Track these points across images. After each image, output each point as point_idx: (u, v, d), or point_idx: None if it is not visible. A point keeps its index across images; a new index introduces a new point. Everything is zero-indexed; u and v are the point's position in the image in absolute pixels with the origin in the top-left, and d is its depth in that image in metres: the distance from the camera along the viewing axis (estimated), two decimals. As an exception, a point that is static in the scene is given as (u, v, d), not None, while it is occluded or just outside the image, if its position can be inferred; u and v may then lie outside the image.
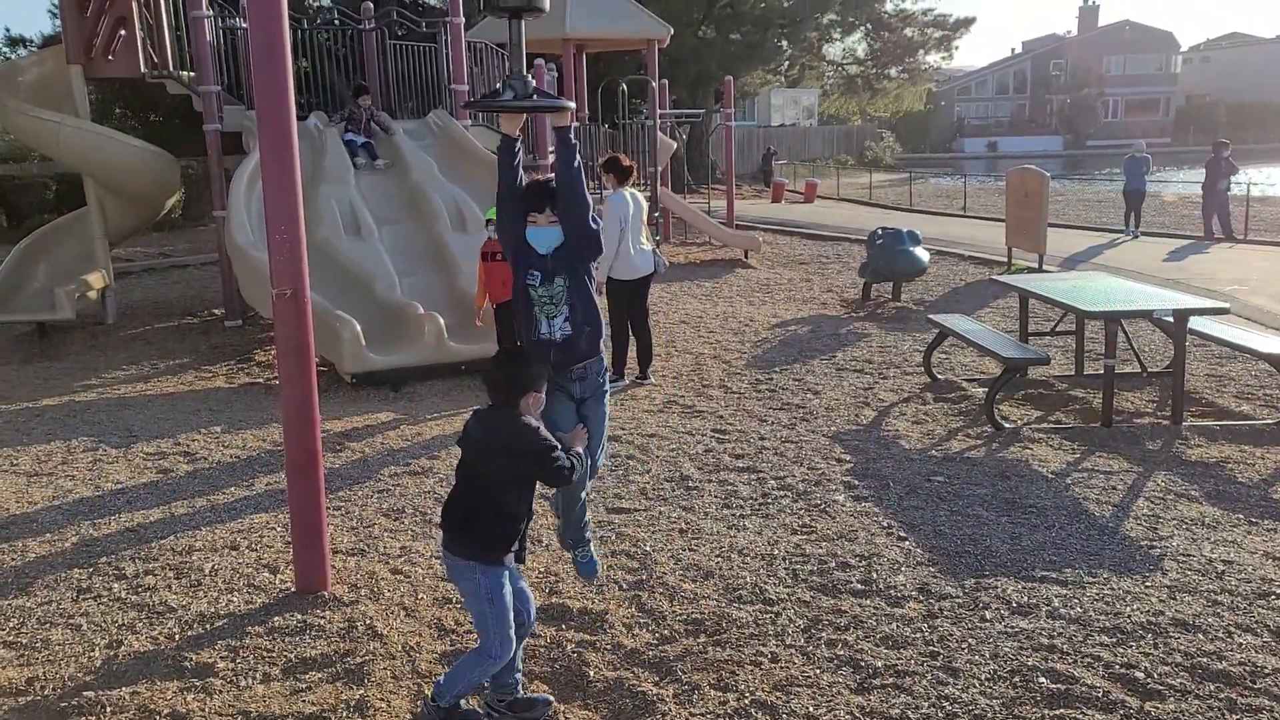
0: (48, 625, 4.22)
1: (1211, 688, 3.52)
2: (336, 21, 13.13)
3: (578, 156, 3.63)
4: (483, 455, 3.30)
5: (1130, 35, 69.86)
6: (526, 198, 3.67)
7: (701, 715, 3.49)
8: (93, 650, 3.99)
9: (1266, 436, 6.50)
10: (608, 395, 3.89)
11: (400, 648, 3.98)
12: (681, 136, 29.13)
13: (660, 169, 16.22)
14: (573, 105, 3.67)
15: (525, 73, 3.47)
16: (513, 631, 3.35)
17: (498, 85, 3.61)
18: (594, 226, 3.66)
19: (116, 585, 4.61)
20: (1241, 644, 3.82)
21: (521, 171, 3.73)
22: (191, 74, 11.50)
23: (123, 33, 11.47)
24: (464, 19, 12.43)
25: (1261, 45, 76.35)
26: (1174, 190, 28.49)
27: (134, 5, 11.31)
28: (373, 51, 13.04)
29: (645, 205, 8.64)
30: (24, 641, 4.08)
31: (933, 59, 40.04)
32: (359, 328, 8.44)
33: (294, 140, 4.18)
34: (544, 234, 3.64)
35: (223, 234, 11.40)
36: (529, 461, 3.25)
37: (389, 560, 4.87)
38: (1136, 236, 18.21)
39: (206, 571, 4.74)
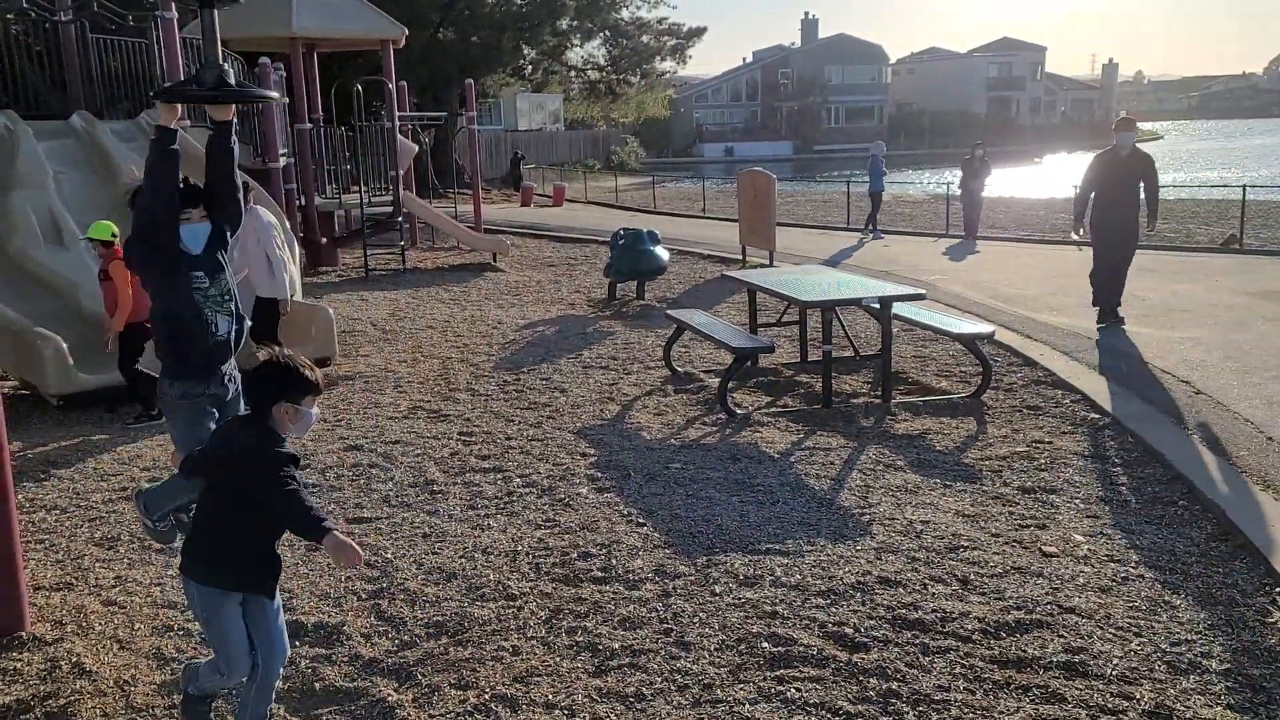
0: None
1: (909, 635, 3.89)
2: (31, 13, 11.92)
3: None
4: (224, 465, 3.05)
5: (847, 47, 75.51)
6: (182, 198, 3.54)
7: (441, 716, 3.48)
8: None
9: (961, 408, 7.22)
10: None
11: (112, 683, 3.69)
12: (426, 140, 28.65)
13: (402, 172, 15.89)
14: (276, 96, 3.58)
15: (220, 62, 3.33)
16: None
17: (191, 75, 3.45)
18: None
19: None
20: (934, 594, 4.23)
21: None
22: None
23: None
24: (176, 14, 11.65)
25: (957, 59, 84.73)
26: (919, 190, 30.77)
27: None
28: (73, 46, 11.96)
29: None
30: None
31: (668, 65, 41.51)
32: (64, 345, 7.74)
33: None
34: (196, 231, 3.53)
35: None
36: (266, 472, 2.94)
37: (101, 592, 4.50)
38: (879, 236, 18.83)
39: (-123, 623, 4.20)
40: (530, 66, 36.28)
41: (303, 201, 14.94)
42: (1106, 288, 9.77)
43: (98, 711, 3.52)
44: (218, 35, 3.34)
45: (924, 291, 7.90)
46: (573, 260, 16.69)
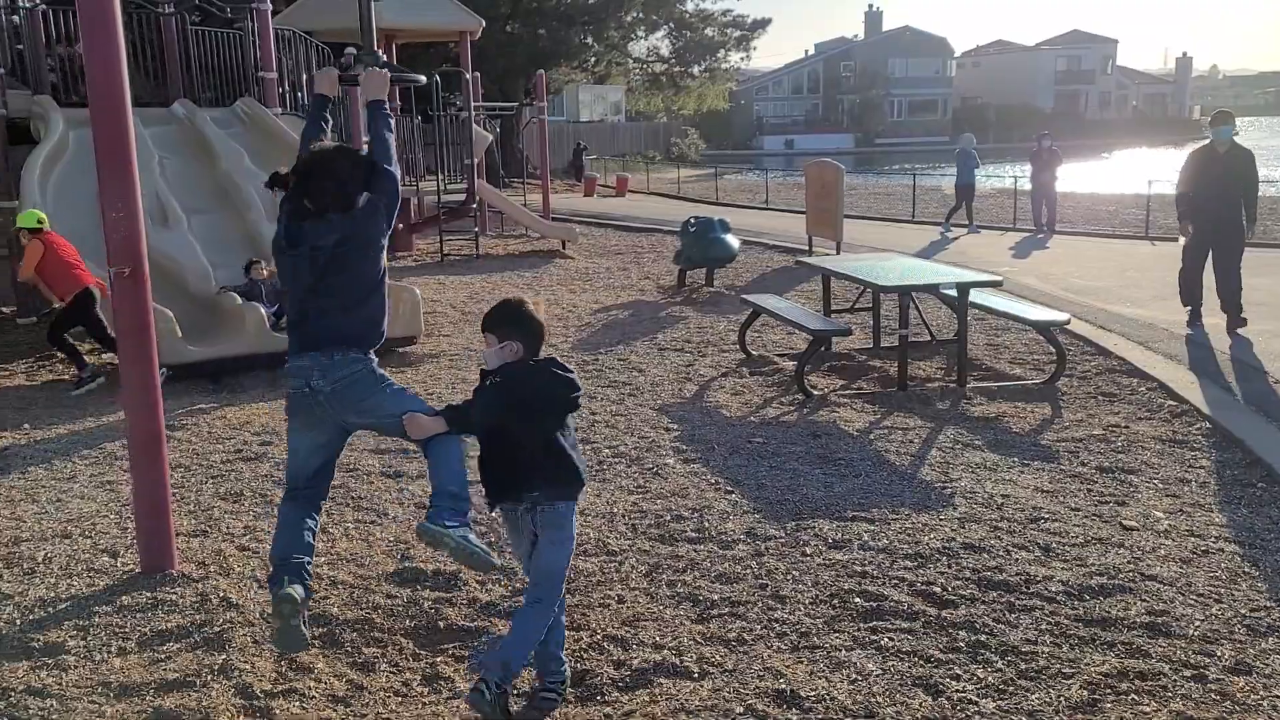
0: None
1: (995, 594, 4.10)
2: (134, 4, 12.49)
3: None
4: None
5: (911, 40, 74.78)
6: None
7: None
8: (-74, 640, 3.86)
9: (1036, 394, 7.35)
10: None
11: (258, 615, 4.05)
12: (496, 131, 29.11)
13: (476, 161, 16.28)
14: (421, 79, 3.87)
15: (375, 50, 3.65)
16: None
17: (347, 57, 3.75)
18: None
19: (-60, 579, 4.43)
20: (1018, 559, 4.43)
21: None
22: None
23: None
24: (270, 5, 12.14)
25: (1023, 53, 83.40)
26: (985, 184, 30.31)
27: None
28: (173, 37, 12.51)
29: None
30: None
31: (733, 59, 41.58)
32: (173, 318, 8.21)
33: (129, 118, 4.15)
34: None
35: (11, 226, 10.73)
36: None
37: (233, 539, 4.88)
38: (976, 231, 18.26)
39: (39, 560, 4.61)
40: (594, 58, 36.62)
41: (382, 188, 15.40)
42: (1192, 288, 9.42)
43: (249, 639, 3.87)
44: (374, 22, 3.64)
45: (1002, 279, 8.04)
46: (639, 249, 16.96)
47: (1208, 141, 9.45)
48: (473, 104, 16.31)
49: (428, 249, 16.66)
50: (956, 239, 17.38)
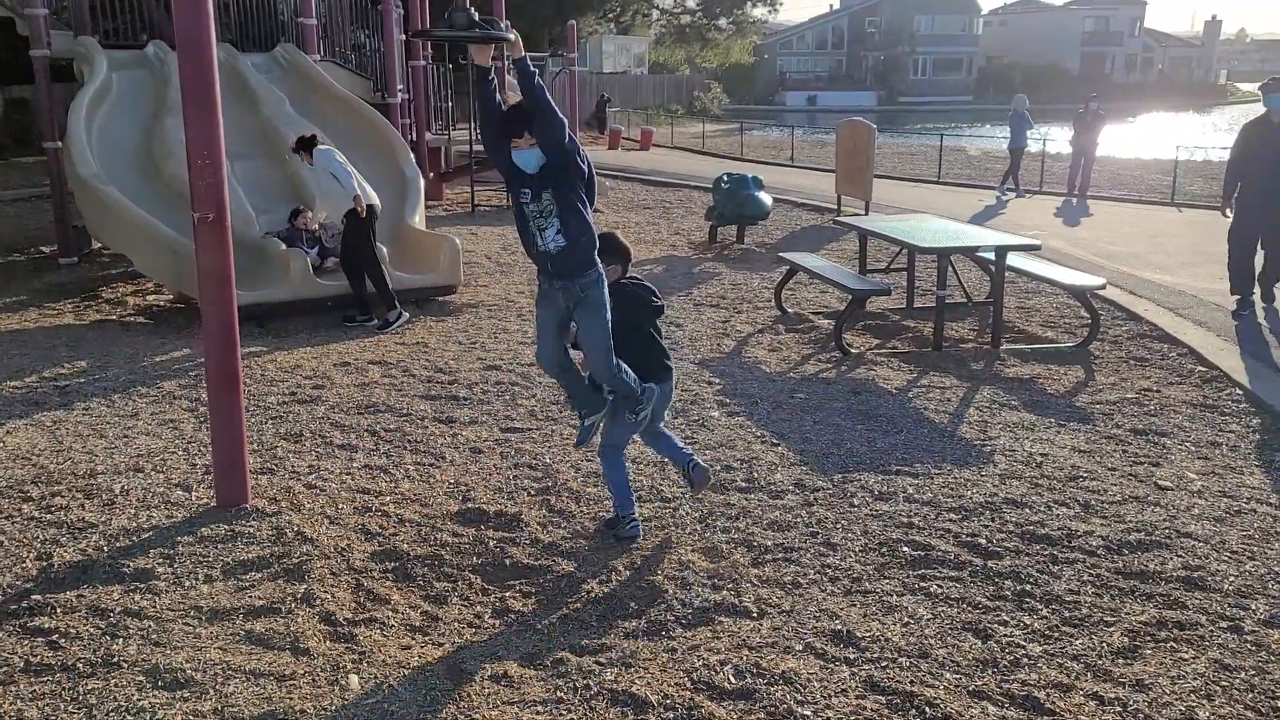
0: (-37, 545, 4.25)
1: (1038, 547, 4.27)
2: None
3: (538, 79, 3.89)
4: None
5: (938, -4, 73.55)
6: (504, 124, 3.94)
7: (618, 587, 3.97)
8: (23, 562, 4.08)
9: (1069, 357, 7.48)
10: (603, 307, 4.08)
11: (333, 549, 4.26)
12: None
13: (506, 111, 16.29)
14: (512, 37, 3.95)
15: (467, 6, 3.74)
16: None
17: (448, 16, 3.83)
18: (569, 146, 3.91)
19: (25, 506, 4.65)
20: (1059, 515, 4.60)
21: (499, 97, 4.00)
22: (14, -5, 10.82)
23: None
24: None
25: (1051, 12, 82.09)
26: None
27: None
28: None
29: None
30: (-57, 560, 4.11)
31: (759, 11, 41.14)
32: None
33: (214, 67, 4.27)
34: (526, 156, 3.93)
35: (56, 167, 10.89)
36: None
37: (300, 477, 5.08)
38: (1021, 194, 17.83)
39: (117, 492, 4.83)
40: (620, 8, 36.30)
41: (415, 137, 15.46)
42: (1244, 275, 8.62)
43: (326, 570, 4.08)
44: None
45: (1039, 243, 8.12)
46: (667, 204, 17.00)
47: (1263, 114, 8.63)
48: (504, 54, 16.28)
49: (458, 199, 16.75)
50: (1009, 201, 17.28)
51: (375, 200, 8.61)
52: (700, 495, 4.75)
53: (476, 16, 3.77)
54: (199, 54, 4.20)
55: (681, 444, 4.68)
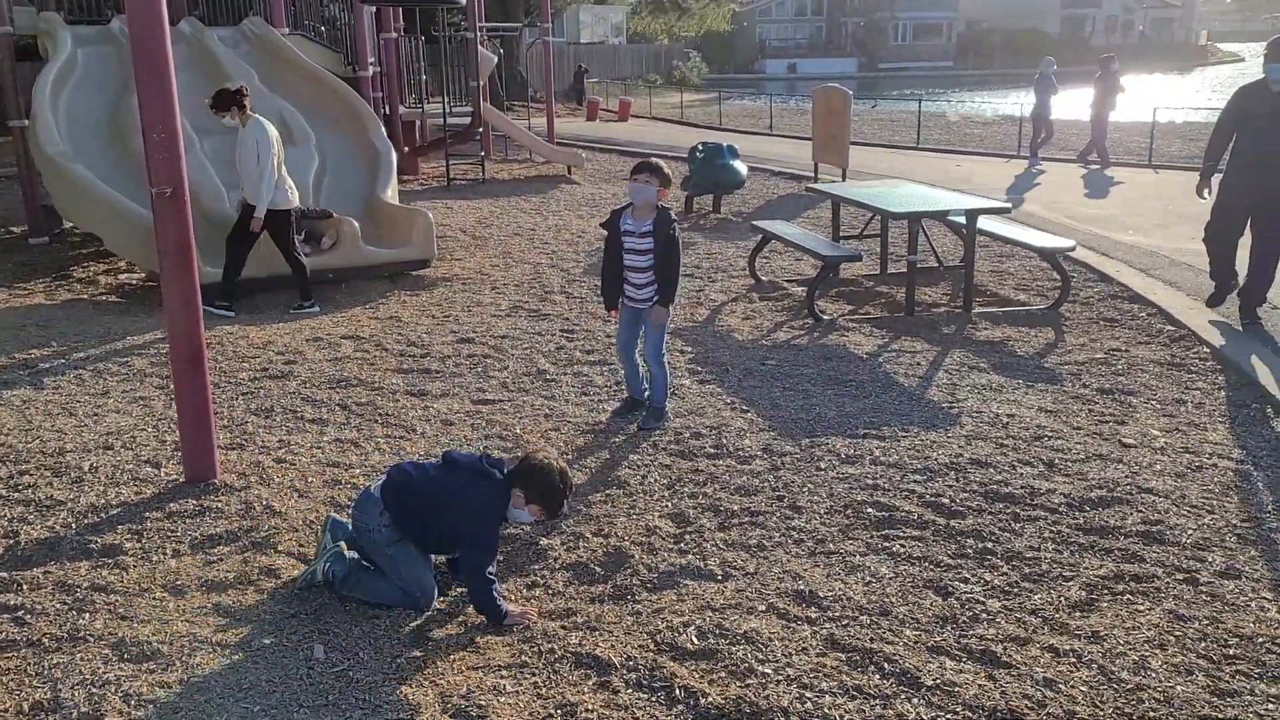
0: (-70, 526, 4.25)
1: (1000, 506, 4.33)
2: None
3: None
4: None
5: (917, -39, 73.05)
6: None
7: (584, 553, 4.00)
8: (-10, 542, 4.08)
9: (1040, 319, 7.53)
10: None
11: (301, 522, 4.27)
12: (499, 52, 28.75)
13: (481, 84, 16.18)
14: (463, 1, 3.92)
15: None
16: None
17: None
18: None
19: (-7, 487, 4.64)
20: (1022, 474, 4.65)
21: None
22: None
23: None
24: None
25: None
26: (991, 111, 30.46)
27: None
28: (176, -47, 12.36)
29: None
30: (-91, 541, 4.11)
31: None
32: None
33: (168, 43, 4.23)
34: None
35: (22, 146, 10.77)
36: None
37: (270, 452, 5.08)
38: (1036, 161, 17.19)
39: (85, 469, 4.82)
40: (596, -22, 35.93)
41: (388, 110, 15.35)
42: (1223, 261, 7.55)
43: (294, 543, 4.10)
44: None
45: (1009, 205, 8.15)
46: (645, 174, 16.91)
47: (1260, 78, 7.24)
48: (477, 24, 16.14)
49: (433, 173, 16.65)
50: (959, 166, 17.35)
51: (295, 202, 8.16)
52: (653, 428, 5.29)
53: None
54: (151, 30, 4.16)
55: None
